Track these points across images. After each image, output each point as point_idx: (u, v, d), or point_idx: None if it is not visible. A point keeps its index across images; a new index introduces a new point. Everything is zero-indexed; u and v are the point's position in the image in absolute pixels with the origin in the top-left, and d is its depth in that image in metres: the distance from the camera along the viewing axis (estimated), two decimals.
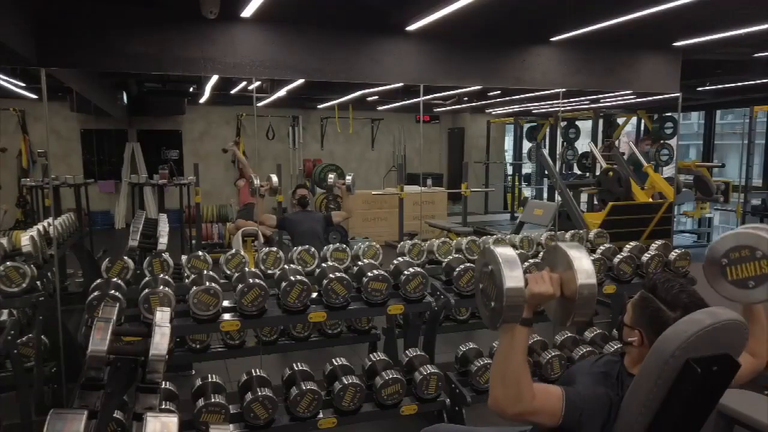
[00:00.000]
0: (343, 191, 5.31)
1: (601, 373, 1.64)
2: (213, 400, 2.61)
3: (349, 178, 5.27)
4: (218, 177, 11.57)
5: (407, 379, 2.98)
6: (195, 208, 7.21)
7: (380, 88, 8.30)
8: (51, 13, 3.89)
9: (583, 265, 1.53)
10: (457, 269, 3.16)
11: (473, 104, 10.53)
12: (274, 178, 5.11)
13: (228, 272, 3.36)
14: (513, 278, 1.45)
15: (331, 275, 2.85)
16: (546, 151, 9.76)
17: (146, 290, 2.66)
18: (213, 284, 2.71)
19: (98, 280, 2.91)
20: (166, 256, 3.35)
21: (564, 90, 5.56)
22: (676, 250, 3.65)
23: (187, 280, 3.20)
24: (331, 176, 5.87)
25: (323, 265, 3.25)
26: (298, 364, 3.01)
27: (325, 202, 8.90)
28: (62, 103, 9.60)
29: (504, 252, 1.51)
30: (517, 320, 1.51)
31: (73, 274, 6.07)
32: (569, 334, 3.50)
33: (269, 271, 3.38)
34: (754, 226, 1.85)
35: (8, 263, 2.95)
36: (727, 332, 1.43)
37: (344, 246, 3.71)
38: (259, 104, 10.01)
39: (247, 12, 4.14)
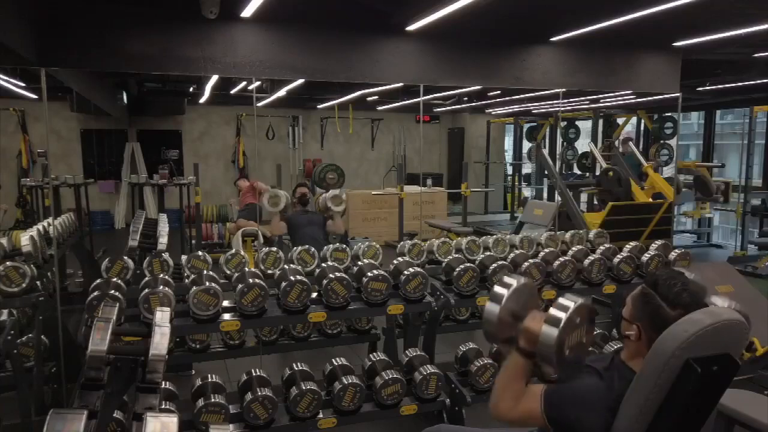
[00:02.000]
0: (336, 215, 5.28)
1: (591, 367, 1.65)
2: (213, 400, 2.61)
3: (342, 207, 5.30)
4: (218, 177, 11.58)
5: (407, 379, 2.98)
6: (195, 208, 7.21)
7: (380, 88, 8.30)
8: (51, 13, 3.88)
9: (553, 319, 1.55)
10: (457, 269, 3.16)
11: (473, 104, 10.53)
12: (283, 198, 5.13)
13: (228, 272, 3.36)
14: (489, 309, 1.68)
15: (331, 275, 2.84)
16: (546, 151, 9.75)
17: (146, 290, 2.66)
18: (213, 284, 2.71)
19: (98, 280, 2.91)
20: (166, 256, 3.35)
21: (564, 90, 5.56)
22: (676, 250, 3.65)
23: (187, 280, 3.20)
24: (330, 203, 5.36)
25: (323, 265, 3.25)
26: (298, 364, 3.00)
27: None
28: (62, 103, 9.60)
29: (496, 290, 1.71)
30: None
31: (73, 274, 6.06)
32: None
33: (269, 271, 3.37)
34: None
35: (8, 263, 2.94)
36: (728, 332, 1.43)
37: (344, 246, 3.71)
38: (259, 104, 10.01)
39: (247, 12, 4.14)
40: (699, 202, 8.99)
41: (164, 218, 3.97)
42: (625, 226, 6.19)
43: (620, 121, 10.23)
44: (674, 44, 5.44)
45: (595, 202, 8.24)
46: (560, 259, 3.35)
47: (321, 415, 2.79)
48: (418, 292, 2.98)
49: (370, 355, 3.14)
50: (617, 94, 7.51)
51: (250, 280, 2.74)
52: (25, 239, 3.29)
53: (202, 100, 10.35)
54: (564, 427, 1.57)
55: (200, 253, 3.46)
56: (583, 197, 8.85)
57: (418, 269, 3.02)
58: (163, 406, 2.39)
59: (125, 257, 3.23)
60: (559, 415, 1.57)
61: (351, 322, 3.88)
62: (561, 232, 4.62)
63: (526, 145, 12.23)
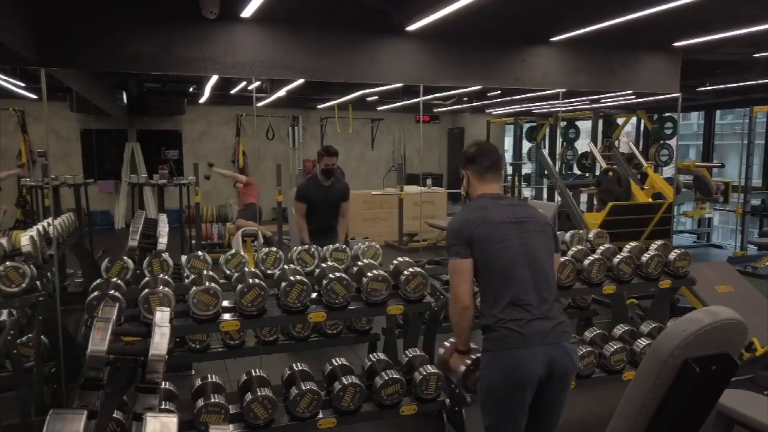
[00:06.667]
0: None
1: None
2: (213, 400, 2.61)
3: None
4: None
5: (407, 379, 2.98)
6: (195, 208, 7.21)
7: (380, 88, 8.30)
8: (51, 13, 3.88)
9: None
10: None
11: (473, 104, 10.53)
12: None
13: (228, 272, 3.36)
14: None
15: (331, 275, 2.85)
16: (546, 151, 9.75)
17: (146, 290, 2.66)
18: (213, 284, 2.71)
19: (98, 280, 2.91)
20: (165, 256, 3.35)
21: (564, 90, 5.56)
22: (676, 250, 3.65)
23: (186, 280, 3.20)
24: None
25: (323, 265, 3.25)
26: (298, 364, 3.01)
27: None
28: (62, 103, 9.59)
29: None
30: None
31: (73, 274, 6.07)
32: None
33: (269, 271, 3.37)
34: None
35: (8, 263, 2.94)
36: (726, 331, 1.43)
37: (344, 246, 3.71)
38: (259, 104, 10.00)
39: (247, 12, 4.14)
40: (699, 203, 8.99)
41: (164, 218, 3.97)
42: (625, 226, 6.19)
43: (620, 121, 10.23)
44: (674, 44, 5.44)
45: (595, 202, 8.23)
46: (560, 259, 3.35)
47: (321, 415, 2.79)
48: (418, 292, 2.98)
49: (370, 355, 3.14)
50: (617, 94, 7.51)
51: (250, 280, 2.74)
52: (25, 239, 3.30)
53: (202, 100, 10.36)
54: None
55: (200, 253, 3.46)
56: (583, 197, 8.84)
57: (418, 269, 3.02)
58: (163, 406, 2.39)
59: (125, 257, 3.24)
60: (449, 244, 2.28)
61: (351, 322, 3.88)
62: (561, 232, 4.61)
63: (526, 145, 12.23)
